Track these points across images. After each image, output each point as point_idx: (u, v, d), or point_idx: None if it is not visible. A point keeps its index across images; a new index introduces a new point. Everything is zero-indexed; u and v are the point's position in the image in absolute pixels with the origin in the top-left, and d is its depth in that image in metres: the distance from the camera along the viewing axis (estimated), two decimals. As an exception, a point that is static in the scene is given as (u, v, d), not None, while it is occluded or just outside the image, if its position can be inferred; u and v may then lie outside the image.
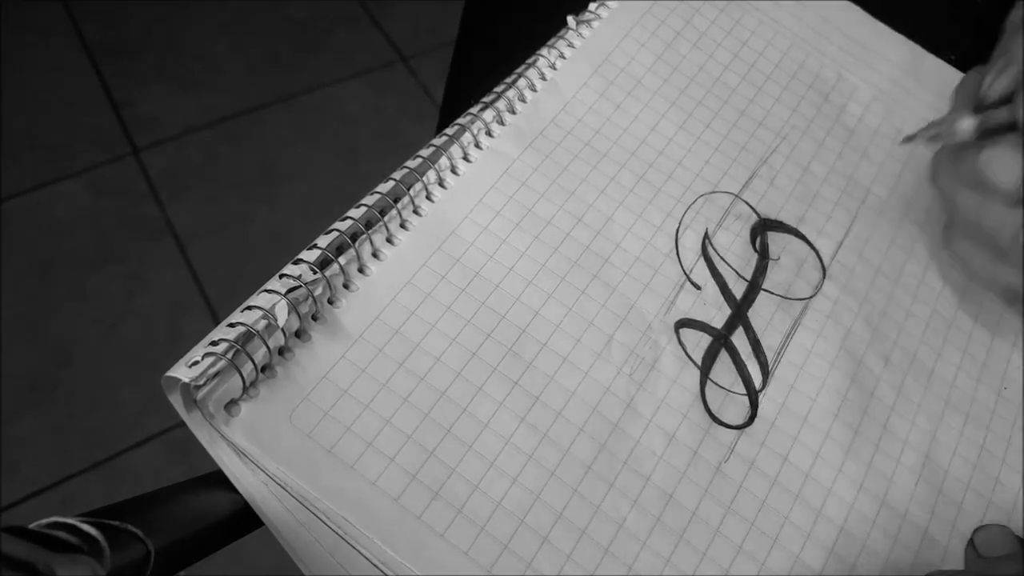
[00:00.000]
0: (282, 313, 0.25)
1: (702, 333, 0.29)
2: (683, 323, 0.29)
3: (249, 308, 0.25)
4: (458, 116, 0.31)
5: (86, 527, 0.19)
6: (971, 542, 0.28)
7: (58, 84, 1.22)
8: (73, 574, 0.17)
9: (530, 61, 0.33)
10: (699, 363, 0.28)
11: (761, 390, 0.28)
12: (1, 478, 0.90)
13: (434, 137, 0.31)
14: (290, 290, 0.25)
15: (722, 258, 0.31)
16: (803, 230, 0.32)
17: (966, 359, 0.31)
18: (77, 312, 1.03)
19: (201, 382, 0.23)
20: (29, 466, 0.92)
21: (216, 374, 0.23)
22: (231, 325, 0.24)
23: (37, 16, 1.29)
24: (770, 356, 0.29)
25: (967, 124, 0.27)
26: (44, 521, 0.19)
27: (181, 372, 0.23)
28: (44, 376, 0.98)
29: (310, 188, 1.17)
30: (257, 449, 0.23)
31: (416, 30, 1.37)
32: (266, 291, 0.25)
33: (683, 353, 0.28)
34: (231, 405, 0.24)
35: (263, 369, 0.24)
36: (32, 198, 1.12)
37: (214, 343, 0.24)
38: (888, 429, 0.29)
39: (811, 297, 0.31)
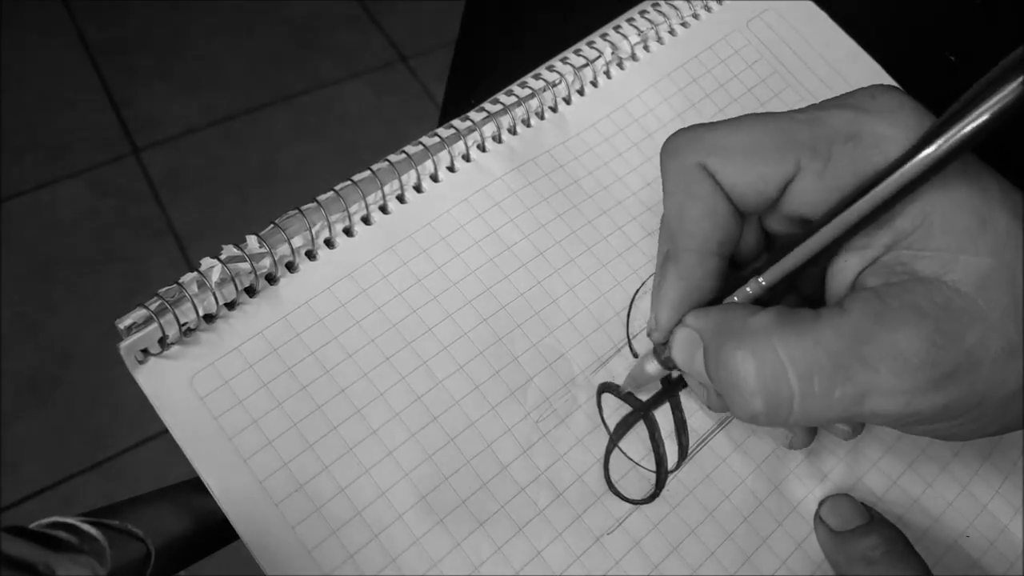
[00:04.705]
0: (214, 276, 0.25)
1: (622, 402, 0.27)
2: (607, 387, 0.27)
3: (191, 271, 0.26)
4: (458, 116, 0.31)
5: (86, 527, 0.19)
6: (819, 518, 0.27)
7: (58, 84, 1.22)
8: (73, 574, 0.17)
9: (549, 80, 0.32)
10: (611, 429, 0.27)
11: (673, 471, 0.27)
12: (1, 478, 0.90)
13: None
14: (232, 259, 0.26)
15: None
16: None
17: (936, 488, 0.29)
18: (77, 312, 1.03)
19: (133, 331, 0.24)
20: (29, 466, 0.92)
21: (145, 324, 0.24)
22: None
23: (37, 16, 1.29)
24: (692, 440, 0.27)
25: (652, 367, 0.26)
26: (44, 521, 0.19)
27: (123, 321, 0.24)
28: (44, 376, 0.98)
29: (310, 188, 1.16)
30: (155, 399, 0.24)
31: (416, 30, 1.37)
32: (210, 256, 0.26)
33: (598, 416, 0.27)
34: (145, 353, 0.25)
35: (188, 332, 0.25)
36: (32, 198, 1.12)
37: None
38: (803, 548, 0.27)
39: None
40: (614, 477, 0.26)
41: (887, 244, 0.21)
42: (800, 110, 0.22)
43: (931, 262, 0.20)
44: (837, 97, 0.22)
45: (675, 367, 0.25)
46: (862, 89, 0.22)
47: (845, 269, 0.22)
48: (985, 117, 0.18)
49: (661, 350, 0.25)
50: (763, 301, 0.23)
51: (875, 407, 0.20)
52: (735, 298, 0.23)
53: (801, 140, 0.21)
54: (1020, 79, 0.18)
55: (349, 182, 0.28)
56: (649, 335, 0.25)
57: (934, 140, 0.19)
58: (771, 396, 0.20)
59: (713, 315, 0.23)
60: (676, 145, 0.24)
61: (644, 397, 0.28)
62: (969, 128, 0.19)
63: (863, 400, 0.20)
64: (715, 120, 0.29)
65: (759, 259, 0.25)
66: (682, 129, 0.24)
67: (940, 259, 0.20)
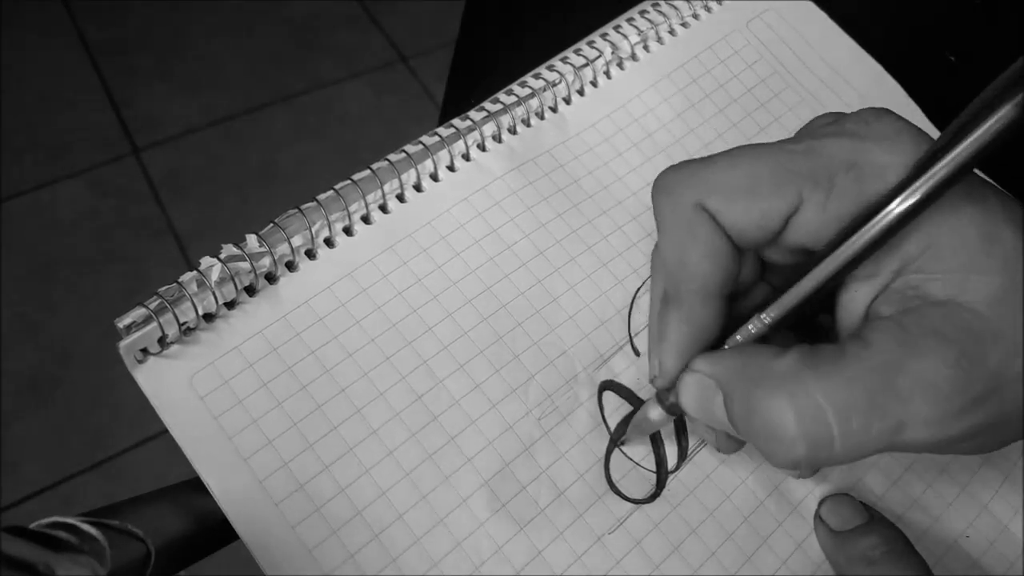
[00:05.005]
0: (214, 276, 0.25)
1: (623, 400, 0.27)
2: (608, 385, 0.27)
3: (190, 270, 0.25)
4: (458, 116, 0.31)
5: (86, 527, 0.19)
6: (819, 518, 0.27)
7: (58, 84, 1.22)
8: (73, 574, 0.17)
9: (549, 80, 0.32)
10: (611, 428, 0.27)
11: (673, 471, 0.27)
12: (1, 478, 0.90)
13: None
14: (232, 258, 0.26)
15: None
16: None
17: (930, 492, 0.29)
18: (77, 312, 1.03)
19: (133, 330, 0.24)
20: (29, 466, 0.92)
21: (144, 323, 0.24)
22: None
23: (37, 16, 1.29)
24: (693, 441, 0.27)
25: (655, 414, 0.25)
26: (44, 521, 0.19)
27: (122, 320, 0.24)
28: (44, 376, 0.98)
29: (310, 188, 1.16)
30: (154, 399, 0.24)
31: (416, 30, 1.37)
32: (210, 256, 0.26)
33: (599, 414, 0.27)
34: (145, 352, 0.25)
35: (188, 331, 0.25)
36: (32, 198, 1.12)
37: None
38: (803, 549, 0.27)
39: None
40: (615, 477, 0.26)
41: (895, 270, 0.21)
42: (793, 140, 0.22)
43: (943, 284, 0.20)
44: (829, 124, 0.22)
45: (682, 413, 0.24)
46: (856, 114, 0.22)
47: (856, 299, 0.22)
48: (984, 139, 0.18)
49: (665, 396, 0.24)
50: (765, 337, 0.22)
51: (911, 437, 0.20)
52: (738, 337, 0.23)
53: (801, 172, 0.21)
54: (1018, 98, 0.18)
55: (349, 181, 0.28)
56: (651, 382, 0.24)
57: (933, 164, 0.19)
58: (812, 441, 0.20)
59: (728, 360, 0.22)
60: (671, 183, 0.23)
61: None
62: (968, 152, 0.18)
63: (900, 431, 0.19)
64: (718, 126, 0.29)
65: (756, 292, 0.25)
66: (674, 166, 0.23)
67: (951, 281, 0.20)
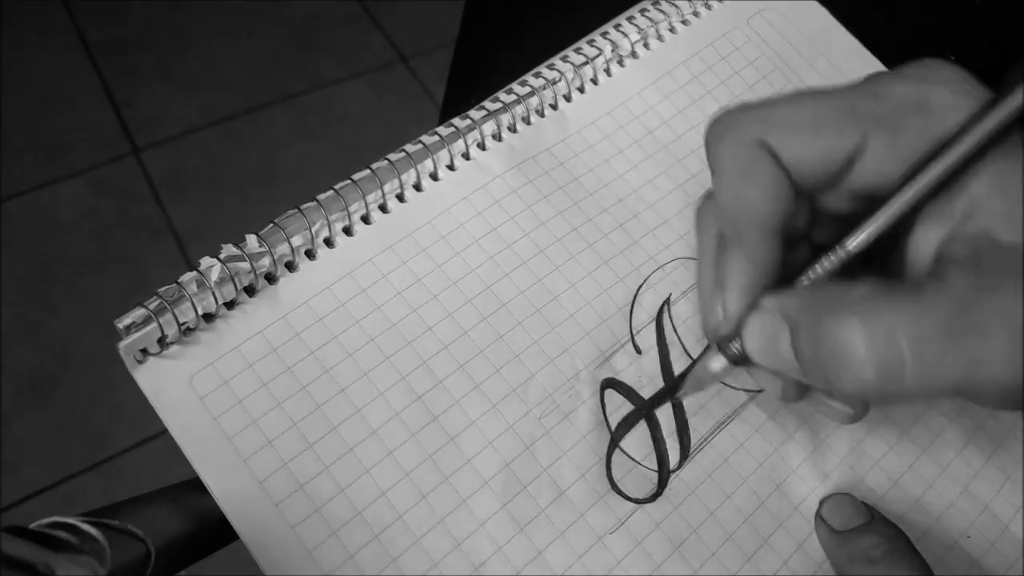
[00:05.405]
0: (213, 276, 0.25)
1: (624, 399, 0.27)
2: (610, 383, 0.27)
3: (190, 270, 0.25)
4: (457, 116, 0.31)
5: (86, 527, 0.19)
6: (820, 517, 0.27)
7: (58, 84, 1.22)
8: (73, 574, 0.17)
9: (549, 78, 0.32)
10: (612, 428, 0.27)
11: (675, 470, 0.26)
12: (1, 478, 0.90)
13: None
14: (231, 258, 0.26)
15: (675, 328, 0.29)
16: None
17: (931, 491, 0.29)
18: (77, 312, 1.03)
19: (132, 331, 0.24)
20: (29, 466, 0.92)
21: (144, 323, 0.24)
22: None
23: (37, 16, 1.29)
24: (695, 439, 0.27)
25: (717, 364, 0.24)
26: (44, 521, 0.19)
27: (122, 321, 0.24)
28: (44, 376, 0.98)
29: (310, 188, 1.16)
30: (154, 399, 0.24)
31: (416, 30, 1.37)
32: (210, 256, 0.26)
33: (601, 413, 0.27)
34: (145, 353, 0.25)
35: (188, 331, 0.25)
36: (32, 198, 1.12)
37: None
38: (804, 549, 0.26)
39: (758, 392, 0.28)
40: (616, 476, 0.26)
41: (965, 211, 0.20)
42: (856, 83, 0.22)
43: (1012, 226, 0.20)
44: (890, 72, 0.22)
45: (746, 361, 0.23)
46: (916, 63, 0.22)
47: (927, 240, 0.21)
48: None
49: (726, 344, 0.23)
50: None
51: (989, 374, 0.19)
52: (818, 270, 0.22)
53: (867, 111, 0.21)
54: None
55: (349, 181, 0.28)
56: (708, 332, 0.24)
57: (1005, 99, 0.19)
58: (883, 365, 0.19)
59: (799, 295, 0.21)
60: (730, 122, 0.22)
61: (646, 396, 0.28)
62: None
63: (976, 368, 0.19)
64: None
65: (798, 252, 0.24)
66: (732, 107, 0.23)
67: (1019, 223, 0.20)
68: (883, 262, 0.23)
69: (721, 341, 0.23)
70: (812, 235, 0.25)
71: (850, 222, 0.22)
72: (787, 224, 0.22)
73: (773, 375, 0.23)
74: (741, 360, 0.23)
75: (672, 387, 0.27)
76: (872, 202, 0.21)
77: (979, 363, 0.19)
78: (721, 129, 0.23)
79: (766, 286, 0.22)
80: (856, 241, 0.21)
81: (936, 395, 0.20)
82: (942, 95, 0.21)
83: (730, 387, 0.28)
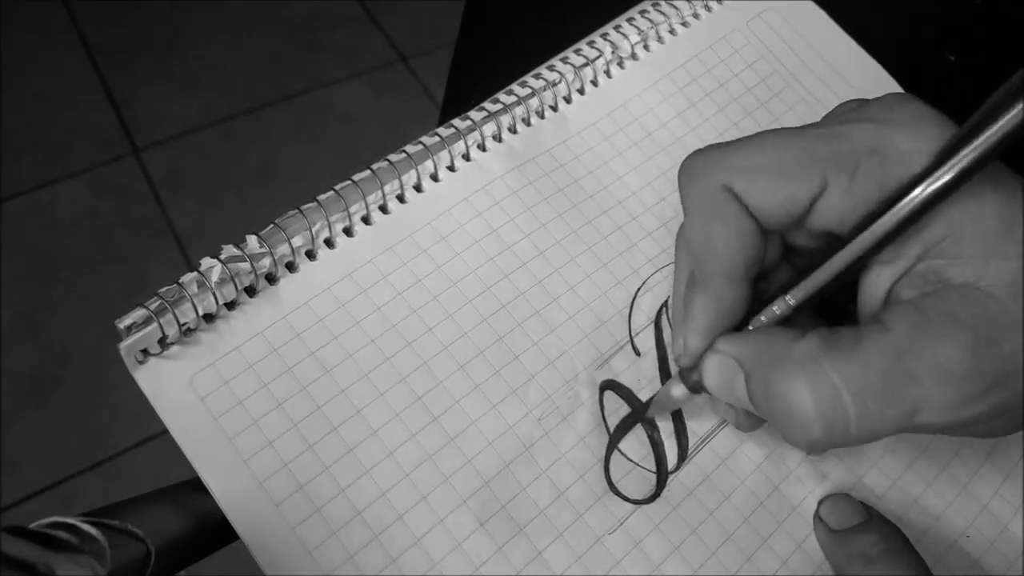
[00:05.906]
0: (214, 276, 0.25)
1: (623, 401, 0.27)
2: (609, 384, 0.27)
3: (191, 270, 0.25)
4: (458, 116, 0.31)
5: (86, 527, 0.19)
6: (818, 517, 0.27)
7: (58, 84, 1.22)
8: (73, 574, 0.17)
9: (549, 79, 0.32)
10: (611, 429, 0.27)
11: (673, 472, 0.27)
12: (1, 478, 0.90)
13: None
14: (232, 258, 0.26)
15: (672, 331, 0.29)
16: None
17: (928, 491, 0.29)
18: (77, 312, 1.03)
19: (133, 331, 0.24)
20: (29, 466, 0.92)
21: (145, 324, 0.24)
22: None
23: (37, 16, 1.29)
24: (692, 440, 0.27)
25: (678, 392, 0.25)
26: (44, 521, 0.19)
27: (123, 321, 0.24)
28: (44, 376, 0.98)
29: (310, 188, 1.16)
30: (154, 400, 0.24)
31: (416, 30, 1.37)
32: (210, 256, 0.26)
33: (600, 414, 0.27)
34: (145, 353, 0.25)
35: (188, 331, 0.25)
36: (32, 198, 1.12)
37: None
38: (803, 549, 0.26)
39: None
40: (615, 477, 0.26)
41: (918, 254, 0.21)
42: (817, 125, 0.22)
43: (963, 269, 0.20)
44: (853, 110, 0.22)
45: (704, 391, 0.24)
46: (880, 99, 0.22)
47: (878, 282, 0.22)
48: (1010, 127, 0.18)
49: (688, 374, 0.25)
50: (788, 319, 0.23)
51: (926, 420, 0.20)
52: (762, 319, 0.23)
53: (826, 156, 0.21)
54: None
55: (349, 182, 0.28)
56: (675, 360, 0.25)
57: (958, 152, 0.19)
58: (828, 423, 0.20)
59: (750, 342, 0.22)
60: (697, 166, 0.23)
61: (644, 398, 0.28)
62: (994, 140, 0.18)
63: (914, 415, 0.20)
64: (719, 125, 0.29)
65: (779, 274, 0.25)
66: (700, 150, 0.23)
67: (971, 266, 0.20)
68: (838, 298, 0.24)
69: (683, 371, 0.25)
70: (792, 261, 0.25)
71: (815, 257, 0.22)
72: (753, 267, 0.23)
73: (729, 406, 0.24)
74: (701, 389, 0.24)
75: (641, 410, 0.27)
76: (834, 241, 0.22)
77: (917, 411, 0.20)
78: (689, 172, 0.23)
79: (728, 325, 0.23)
80: (797, 298, 0.22)
81: (883, 438, 0.21)
82: (900, 141, 0.21)
83: None
